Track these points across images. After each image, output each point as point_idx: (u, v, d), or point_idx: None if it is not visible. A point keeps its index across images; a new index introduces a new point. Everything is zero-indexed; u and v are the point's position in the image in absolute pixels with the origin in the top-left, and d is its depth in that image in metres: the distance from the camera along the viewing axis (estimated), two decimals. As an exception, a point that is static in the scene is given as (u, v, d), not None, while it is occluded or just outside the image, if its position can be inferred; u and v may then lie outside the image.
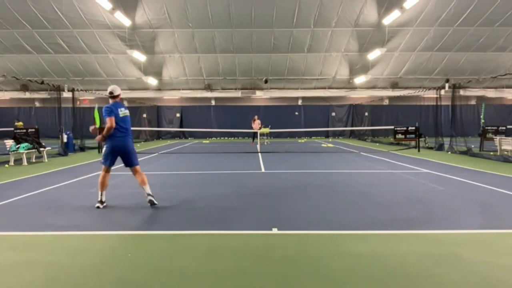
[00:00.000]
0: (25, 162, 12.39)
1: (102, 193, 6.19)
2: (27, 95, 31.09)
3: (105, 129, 5.99)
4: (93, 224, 5.34)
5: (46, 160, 13.40)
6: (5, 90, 31.46)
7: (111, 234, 4.90)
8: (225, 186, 8.15)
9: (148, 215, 5.78)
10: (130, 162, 6.29)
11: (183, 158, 14.68)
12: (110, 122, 5.95)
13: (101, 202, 6.18)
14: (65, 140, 16.23)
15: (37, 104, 32.16)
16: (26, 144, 12.56)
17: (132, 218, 5.64)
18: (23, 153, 12.36)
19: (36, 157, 13.50)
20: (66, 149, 16.05)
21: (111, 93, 6.19)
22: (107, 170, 6.28)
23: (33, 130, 14.74)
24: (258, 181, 8.82)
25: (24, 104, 32.25)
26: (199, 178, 9.45)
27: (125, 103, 32.16)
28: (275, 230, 4.83)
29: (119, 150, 6.19)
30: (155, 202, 6.16)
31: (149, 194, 6.17)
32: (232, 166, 11.90)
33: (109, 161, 6.21)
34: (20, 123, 21.27)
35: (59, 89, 16.01)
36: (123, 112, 6.24)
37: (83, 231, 4.97)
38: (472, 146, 15.49)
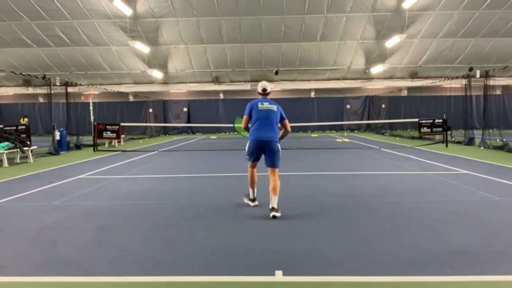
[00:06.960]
0: (5, 164, 11.06)
1: (253, 191, 5.85)
2: (30, 90, 30.14)
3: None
4: (28, 263, 3.74)
5: (32, 161, 12.07)
6: (8, 86, 30.59)
7: (46, 281, 3.44)
8: (216, 197, 6.62)
9: (106, 249, 4.32)
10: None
11: (182, 157, 13.24)
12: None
13: (252, 200, 5.84)
14: (57, 137, 14.95)
15: (41, 99, 31.16)
16: (6, 143, 11.24)
17: (85, 255, 4.09)
18: (2, 153, 11.04)
19: (21, 157, 12.20)
20: (59, 148, 14.78)
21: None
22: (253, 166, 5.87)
23: (23, 127, 13.53)
24: (260, 190, 7.22)
25: (28, 100, 31.38)
26: (189, 184, 7.83)
27: (130, 98, 31.20)
28: (279, 275, 3.29)
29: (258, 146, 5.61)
30: (277, 215, 5.15)
31: (272, 209, 5.18)
32: (233, 166, 10.35)
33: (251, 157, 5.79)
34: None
35: (50, 83, 14.73)
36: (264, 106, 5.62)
37: (4, 276, 3.45)
38: (504, 139, 13.79)
